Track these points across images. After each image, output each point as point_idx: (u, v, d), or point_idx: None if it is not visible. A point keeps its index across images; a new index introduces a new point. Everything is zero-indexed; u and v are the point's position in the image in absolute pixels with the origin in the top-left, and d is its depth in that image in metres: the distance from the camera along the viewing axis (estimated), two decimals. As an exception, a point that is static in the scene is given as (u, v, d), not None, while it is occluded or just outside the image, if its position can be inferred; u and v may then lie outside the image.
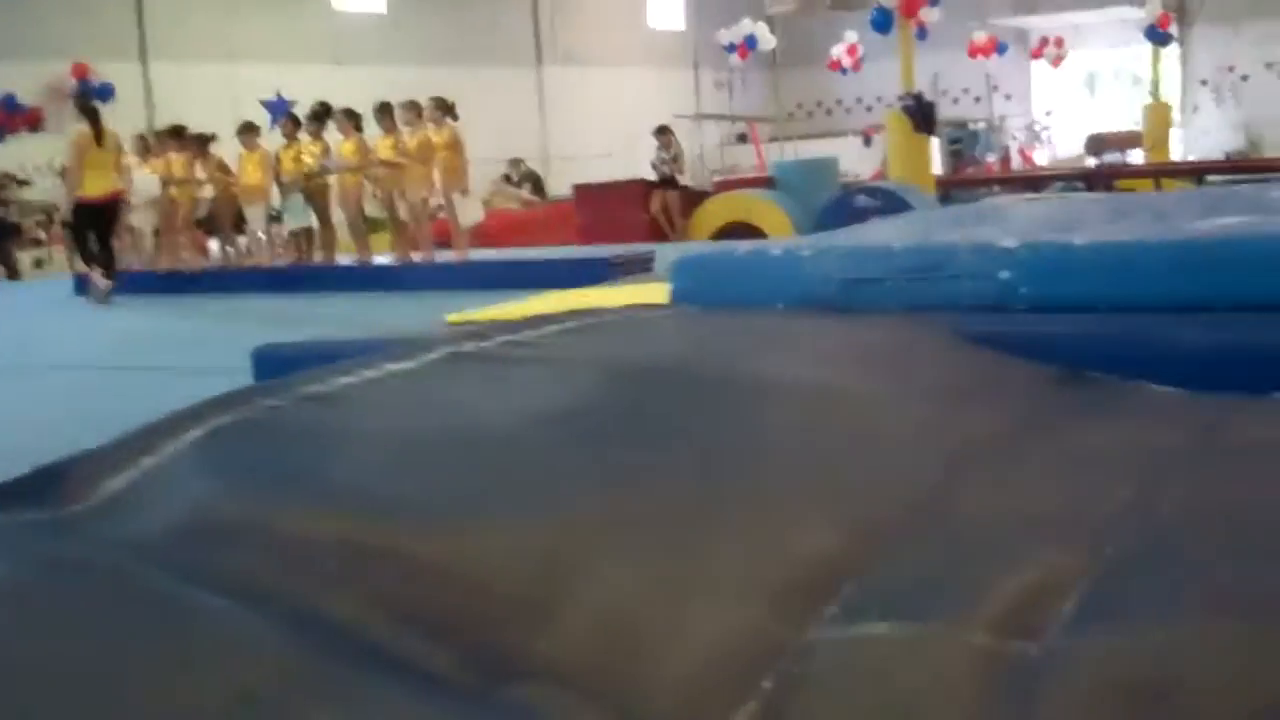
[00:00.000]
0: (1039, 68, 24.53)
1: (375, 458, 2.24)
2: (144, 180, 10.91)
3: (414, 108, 9.82)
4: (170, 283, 10.77)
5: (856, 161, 19.41)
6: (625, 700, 1.62)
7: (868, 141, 20.82)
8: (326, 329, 5.59)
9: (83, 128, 9.88)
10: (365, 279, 9.96)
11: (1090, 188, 15.15)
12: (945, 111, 20.78)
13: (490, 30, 20.46)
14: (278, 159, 10.60)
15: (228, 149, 10.99)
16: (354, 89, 14.06)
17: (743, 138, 21.32)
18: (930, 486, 2.21)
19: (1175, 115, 21.02)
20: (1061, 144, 23.95)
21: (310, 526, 1.97)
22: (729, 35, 18.95)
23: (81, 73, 15.63)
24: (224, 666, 1.55)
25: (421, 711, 1.53)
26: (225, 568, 1.87)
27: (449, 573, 1.85)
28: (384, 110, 9.97)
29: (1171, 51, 21.07)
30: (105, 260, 10.16)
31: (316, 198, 10.41)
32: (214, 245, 12.04)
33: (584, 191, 14.57)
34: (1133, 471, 2.22)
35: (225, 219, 11.08)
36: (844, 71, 21.99)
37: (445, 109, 9.69)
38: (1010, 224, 4.52)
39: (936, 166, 16.25)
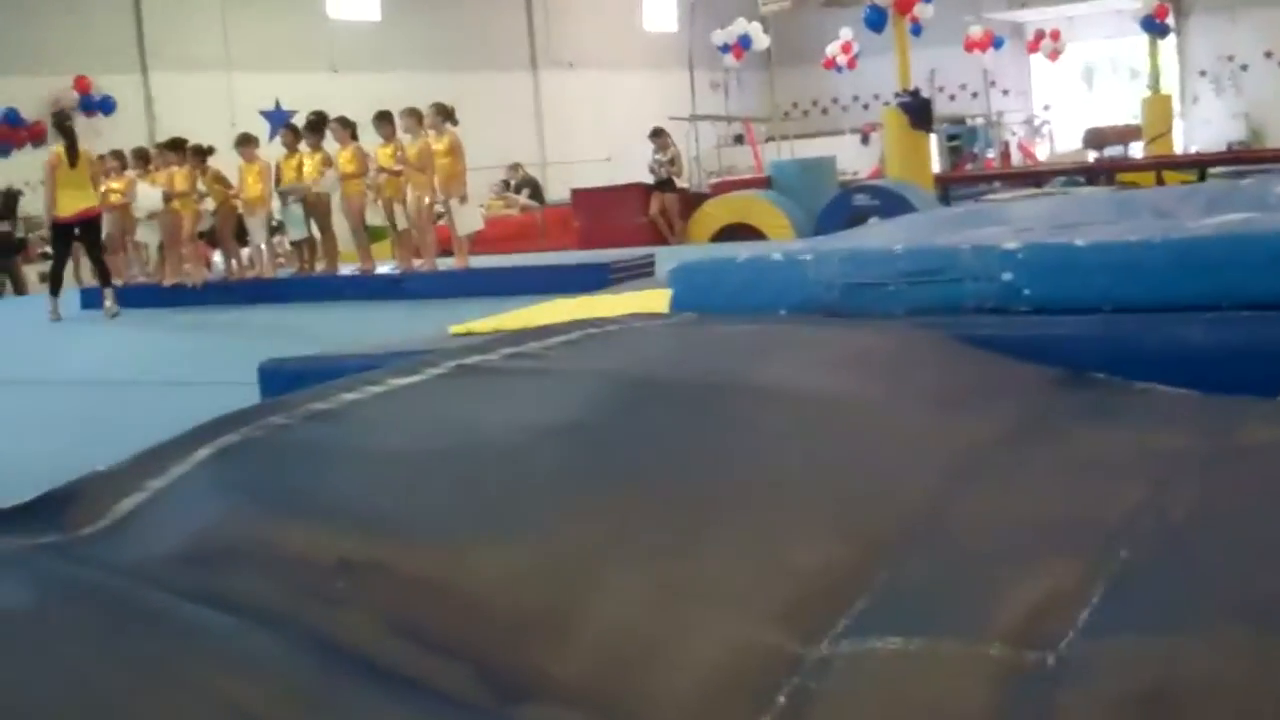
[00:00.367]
0: (1036, 62, 24.51)
1: (382, 476, 2.24)
2: (147, 194, 10.92)
3: (414, 115, 9.82)
4: (174, 296, 10.78)
5: (854, 160, 19.39)
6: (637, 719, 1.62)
7: (865, 140, 20.82)
8: (330, 341, 5.60)
9: (57, 148, 10.11)
10: (367, 288, 9.97)
11: (1091, 182, 15.15)
12: (942, 108, 20.79)
13: (485, 35, 20.46)
14: (279, 170, 10.60)
15: (227, 161, 10.99)
16: (351, 96, 14.07)
17: (739, 139, 21.32)
18: (938, 493, 2.21)
19: (1175, 106, 21.01)
20: (1061, 138, 23.93)
21: (317, 546, 1.97)
22: (723, 36, 18.94)
23: (84, 87, 15.65)
24: (232, 687, 1.55)
25: (432, 732, 1.53)
26: (234, 589, 1.87)
27: (457, 591, 1.85)
28: (383, 118, 9.97)
29: (1169, 42, 21.04)
30: (101, 275, 10.34)
31: (317, 208, 10.41)
32: (216, 257, 12.05)
33: (582, 196, 14.57)
34: (1142, 475, 2.22)
35: (227, 231, 11.08)
36: (839, 70, 22.01)
37: (445, 114, 9.67)
38: (1012, 224, 4.51)
39: (935, 164, 16.24)
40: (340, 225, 10.58)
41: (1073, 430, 2.58)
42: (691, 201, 14.12)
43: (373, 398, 2.67)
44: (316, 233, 10.61)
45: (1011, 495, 2.19)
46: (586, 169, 18.91)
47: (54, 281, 10.43)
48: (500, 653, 1.73)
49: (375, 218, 10.53)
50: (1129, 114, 21.01)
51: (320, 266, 10.70)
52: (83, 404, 6.08)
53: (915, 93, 13.74)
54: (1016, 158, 21.82)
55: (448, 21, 19.75)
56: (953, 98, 23.80)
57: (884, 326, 3.34)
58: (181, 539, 2.04)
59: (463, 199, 9.79)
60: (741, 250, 4.36)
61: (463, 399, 2.69)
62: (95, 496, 2.24)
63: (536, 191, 17.45)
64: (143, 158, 11.44)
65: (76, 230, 10.18)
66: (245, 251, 11.29)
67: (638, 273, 8.50)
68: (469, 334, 4.46)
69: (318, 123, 10.40)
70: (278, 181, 10.55)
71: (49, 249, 14.28)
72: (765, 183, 14.35)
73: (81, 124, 15.34)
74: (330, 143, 10.31)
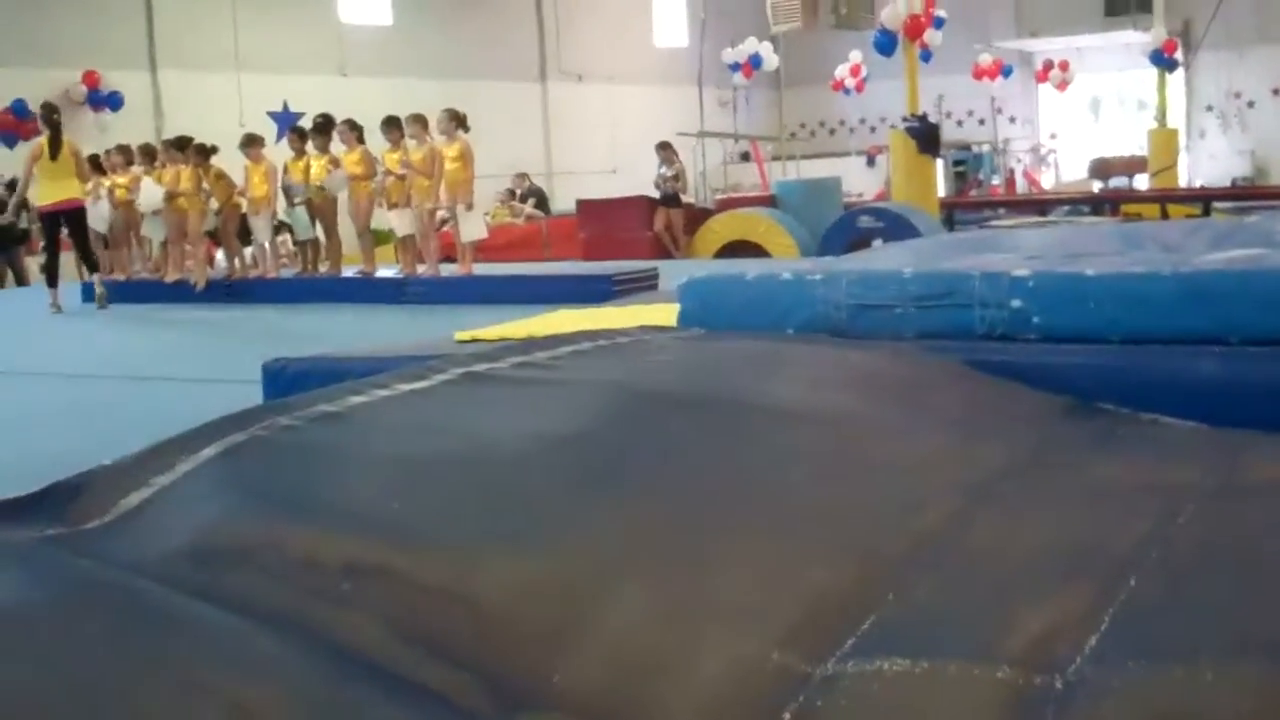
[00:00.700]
0: (1044, 91, 24.58)
1: (388, 480, 2.24)
2: (150, 190, 10.93)
3: (420, 121, 9.83)
4: (176, 293, 10.78)
5: (860, 182, 19.43)
6: (644, 732, 1.62)
7: (871, 162, 20.85)
8: (333, 342, 5.59)
9: (41, 139, 10.21)
10: (371, 292, 9.96)
11: (1095, 212, 15.17)
12: (949, 133, 20.84)
13: (496, 44, 20.49)
14: (286, 171, 10.61)
15: (234, 160, 11.00)
16: (359, 100, 14.09)
17: (746, 156, 21.35)
18: (946, 517, 2.21)
19: (1181, 140, 21.06)
20: (1066, 167, 23.98)
21: (323, 548, 1.97)
22: (734, 54, 19.00)
23: (92, 82, 15.67)
24: (236, 688, 1.55)
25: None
26: (238, 588, 1.87)
27: (463, 598, 1.85)
28: (391, 123, 9.97)
29: (1177, 76, 21.11)
30: (87, 266, 10.50)
31: (322, 210, 10.42)
32: (220, 256, 12.04)
33: (588, 207, 14.58)
34: (1150, 506, 2.22)
35: (230, 230, 11.08)
36: (847, 92, 22.08)
37: (458, 120, 9.67)
38: (1020, 251, 4.52)
39: (940, 188, 16.25)
40: (345, 227, 10.59)
41: (1081, 459, 2.58)
42: (697, 217, 14.14)
43: (380, 401, 2.67)
44: (321, 234, 10.61)
45: (1020, 521, 2.18)
46: (593, 180, 18.93)
47: (49, 273, 10.51)
48: (506, 661, 1.73)
49: (381, 221, 10.53)
50: (1135, 146, 21.07)
51: (324, 268, 10.70)
52: (82, 398, 6.07)
53: (923, 117, 13.75)
54: (1021, 185, 21.86)
55: (459, 29, 19.78)
56: (960, 124, 23.87)
57: (894, 349, 3.34)
58: (186, 536, 2.03)
59: (469, 206, 9.79)
60: (750, 267, 4.36)
61: (471, 406, 2.69)
62: (101, 491, 2.23)
63: (542, 201, 17.45)
64: (149, 154, 11.45)
65: (62, 222, 10.31)
66: (249, 250, 11.29)
67: (641, 286, 8.49)
68: (474, 340, 4.46)
69: (325, 125, 10.41)
70: (284, 181, 10.57)
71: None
72: (771, 201, 14.37)
73: (88, 119, 15.41)
74: (337, 146, 10.32)
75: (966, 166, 20.73)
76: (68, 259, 10.68)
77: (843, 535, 2.07)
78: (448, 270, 10.14)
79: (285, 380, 4.12)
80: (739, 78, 19.20)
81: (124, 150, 11.57)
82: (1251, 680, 1.56)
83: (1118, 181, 19.43)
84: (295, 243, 11.24)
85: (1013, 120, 24.26)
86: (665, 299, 5.07)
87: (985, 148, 21.64)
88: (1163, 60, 19.63)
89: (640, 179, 14.75)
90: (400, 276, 10.13)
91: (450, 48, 19.43)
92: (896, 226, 11.58)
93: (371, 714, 1.58)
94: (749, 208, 14.30)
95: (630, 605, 1.84)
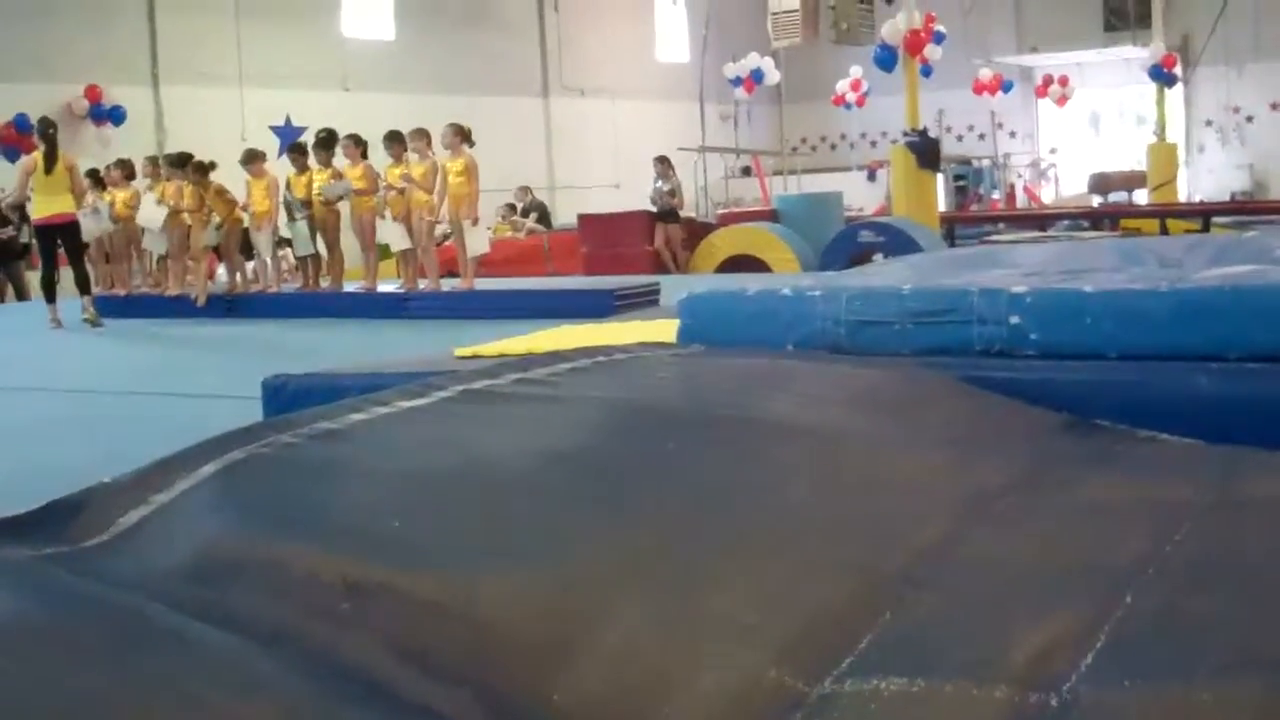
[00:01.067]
0: (1044, 106, 24.63)
1: (388, 498, 2.24)
2: (152, 208, 10.95)
3: (422, 135, 9.85)
4: (177, 307, 10.79)
5: (860, 196, 19.46)
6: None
7: (872, 176, 20.90)
8: (334, 358, 5.60)
9: (36, 154, 10.20)
10: (372, 307, 9.97)
11: (1095, 227, 15.19)
12: (950, 148, 20.89)
13: (498, 59, 20.53)
14: (289, 186, 10.63)
15: (237, 175, 11.02)
16: (362, 115, 14.12)
17: (747, 171, 21.39)
18: (943, 535, 2.21)
19: (1180, 155, 21.10)
20: (1066, 182, 24.02)
21: (322, 567, 1.97)
22: (735, 69, 19.05)
23: (95, 96, 15.70)
24: (233, 706, 1.55)
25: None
26: (236, 607, 1.87)
27: (462, 616, 1.85)
28: (393, 138, 9.99)
29: (1176, 91, 21.16)
30: (81, 282, 10.40)
31: (325, 225, 10.43)
32: (220, 270, 12.05)
33: (589, 222, 14.60)
34: (1147, 523, 2.22)
35: (232, 245, 11.10)
36: (848, 107, 22.14)
37: (463, 135, 9.68)
38: (1019, 267, 4.53)
39: (941, 203, 16.28)
40: (348, 242, 10.60)
41: (1078, 476, 2.59)
42: (698, 231, 14.15)
43: (380, 418, 2.68)
44: (323, 249, 10.62)
45: (1017, 539, 2.19)
46: (595, 195, 18.96)
47: (47, 289, 10.48)
48: (505, 679, 1.73)
49: (379, 236, 10.54)
50: (1134, 160, 21.10)
51: (325, 283, 10.71)
52: (81, 412, 6.08)
53: (923, 132, 13.78)
54: (1022, 200, 21.89)
55: (462, 44, 19.83)
56: (960, 138, 23.93)
57: (892, 365, 3.35)
58: (185, 554, 2.03)
59: (474, 221, 9.80)
60: (750, 283, 4.37)
61: (471, 423, 2.69)
62: (99, 509, 2.23)
63: (544, 216, 17.46)
64: (153, 165, 11.47)
65: (58, 238, 10.26)
66: (250, 265, 11.30)
67: (642, 301, 8.50)
68: (475, 356, 4.47)
69: (328, 140, 10.44)
70: (286, 196, 10.59)
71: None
72: (772, 215, 14.39)
73: (90, 134, 15.44)
74: (340, 160, 10.34)
75: (967, 181, 20.76)
76: (66, 274, 10.66)
77: (841, 553, 2.07)
78: (449, 285, 10.15)
79: (285, 396, 4.13)
80: (740, 92, 19.26)
81: (124, 165, 11.59)
82: (1249, 699, 1.56)
83: (1117, 196, 19.46)
84: (296, 258, 11.25)
85: (1013, 135, 24.32)
86: (666, 314, 5.08)
87: (985, 162, 21.68)
88: (1162, 75, 19.68)
89: (643, 194, 14.77)
90: (402, 291, 10.14)
91: (453, 62, 19.47)
92: (897, 241, 11.60)
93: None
94: (750, 222, 14.32)
95: (629, 623, 1.84)
